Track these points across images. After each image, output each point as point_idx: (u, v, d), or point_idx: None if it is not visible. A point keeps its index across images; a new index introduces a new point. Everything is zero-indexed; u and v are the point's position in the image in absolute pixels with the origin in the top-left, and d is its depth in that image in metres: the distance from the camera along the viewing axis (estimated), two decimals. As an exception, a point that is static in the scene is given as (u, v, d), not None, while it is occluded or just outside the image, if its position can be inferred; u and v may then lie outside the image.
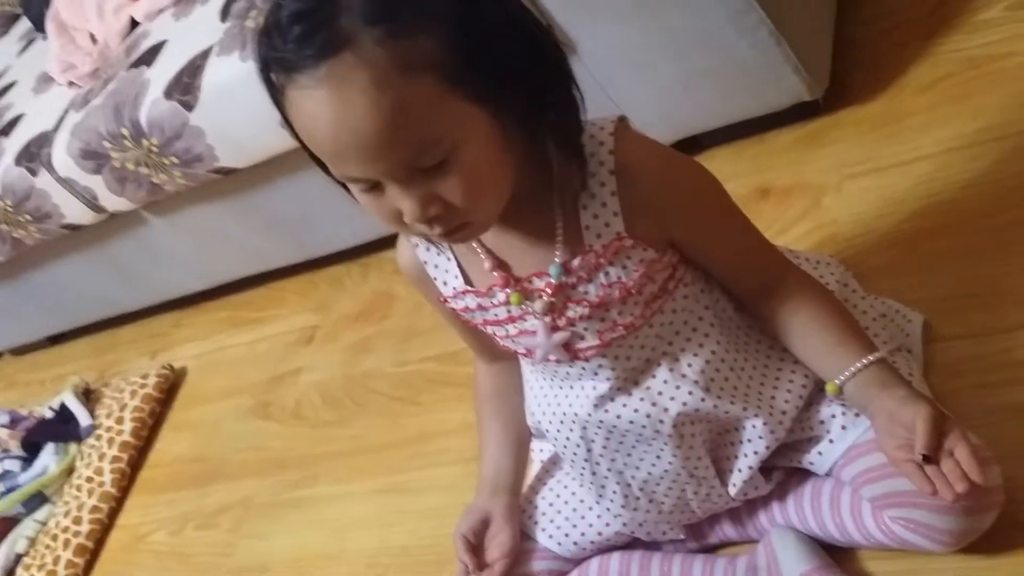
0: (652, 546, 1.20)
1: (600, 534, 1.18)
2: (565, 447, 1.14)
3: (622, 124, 0.99)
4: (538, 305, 1.02)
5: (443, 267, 1.07)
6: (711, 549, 1.20)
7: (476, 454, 1.54)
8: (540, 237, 1.00)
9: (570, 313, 1.02)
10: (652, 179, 0.98)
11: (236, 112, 1.71)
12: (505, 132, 0.89)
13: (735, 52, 1.42)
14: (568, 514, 1.20)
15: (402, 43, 0.81)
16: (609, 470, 1.12)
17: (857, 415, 1.06)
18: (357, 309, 2.02)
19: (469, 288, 1.05)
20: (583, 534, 1.19)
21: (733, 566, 1.13)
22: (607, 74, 1.51)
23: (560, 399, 1.12)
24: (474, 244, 1.03)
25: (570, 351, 1.05)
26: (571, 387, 1.10)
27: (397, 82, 0.81)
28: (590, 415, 1.08)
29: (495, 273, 1.02)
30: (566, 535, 1.19)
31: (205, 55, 1.76)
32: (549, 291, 1.01)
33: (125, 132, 1.83)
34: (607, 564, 1.18)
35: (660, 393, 1.06)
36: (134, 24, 2.12)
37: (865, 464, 1.04)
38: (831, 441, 1.08)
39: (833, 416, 1.08)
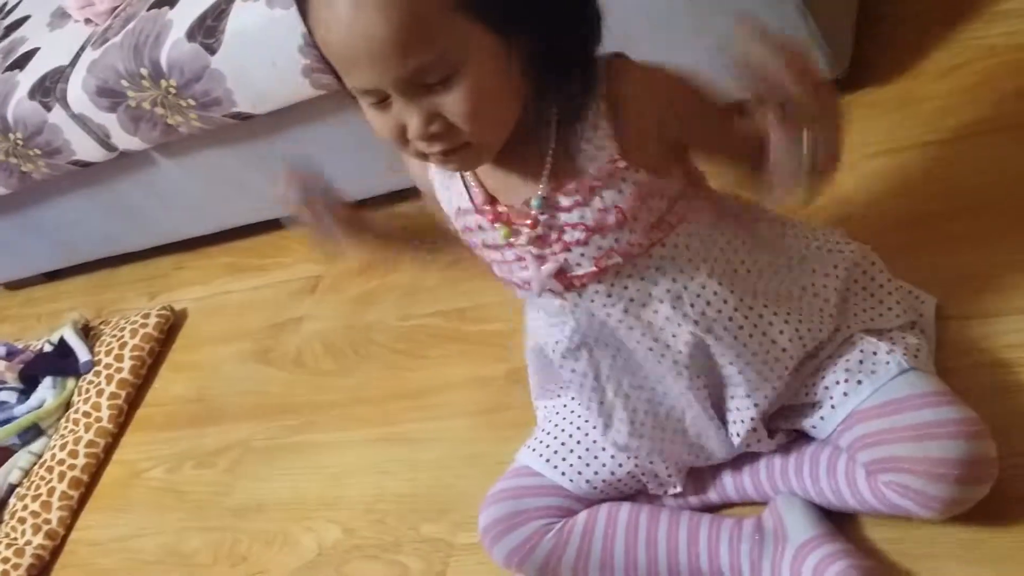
0: (657, 501, 1.23)
1: (613, 473, 1.21)
2: (573, 372, 1.16)
3: (617, 56, 1.01)
4: (523, 238, 1.05)
5: (446, 184, 1.10)
6: (712, 508, 1.23)
7: (479, 409, 1.58)
8: (532, 170, 1.02)
9: (566, 237, 1.04)
10: (638, 91, 0.99)
11: (258, 58, 1.72)
12: (515, 62, 0.92)
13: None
14: (581, 453, 1.22)
15: None
16: (615, 395, 1.15)
17: (860, 383, 1.09)
18: (362, 262, 2.03)
19: (471, 207, 1.08)
20: (596, 473, 1.21)
21: (739, 527, 1.15)
22: (629, 37, 1.51)
23: (568, 323, 1.13)
24: (469, 175, 1.06)
25: (563, 280, 1.07)
26: (573, 313, 1.12)
27: None
28: (598, 335, 1.11)
29: (486, 207, 1.05)
30: (579, 472, 1.21)
31: (230, -1, 1.76)
32: (529, 224, 1.04)
33: (144, 72, 1.83)
34: (616, 512, 1.20)
35: (662, 329, 1.09)
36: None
37: (863, 430, 1.07)
38: (833, 407, 1.10)
39: (837, 383, 1.11)
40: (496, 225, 1.05)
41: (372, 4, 0.85)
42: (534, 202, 1.02)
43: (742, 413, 1.13)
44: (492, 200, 1.06)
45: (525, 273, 1.08)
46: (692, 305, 1.08)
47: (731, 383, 1.12)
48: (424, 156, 0.97)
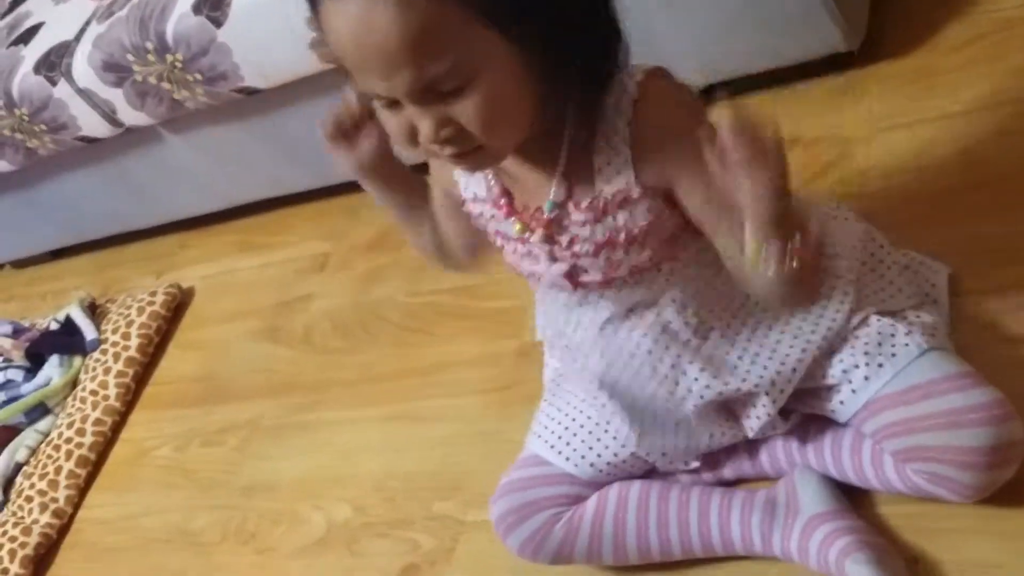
0: (670, 477, 1.22)
1: (616, 455, 1.20)
2: (573, 365, 1.17)
3: (654, 74, 1.00)
4: (536, 236, 1.05)
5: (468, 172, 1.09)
6: (726, 483, 1.22)
7: (489, 386, 1.57)
8: (545, 173, 1.02)
9: (576, 248, 1.05)
10: (663, 130, 0.98)
11: (265, 31, 1.70)
12: (530, 69, 0.90)
13: (776, -3, 1.43)
14: (584, 436, 1.21)
15: None
16: (614, 388, 1.15)
17: (880, 366, 1.07)
18: (370, 239, 2.02)
19: (487, 197, 1.08)
20: (599, 455, 1.20)
21: (751, 499, 1.15)
22: (644, 11, 1.50)
23: (570, 319, 1.15)
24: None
25: (572, 281, 1.08)
26: (579, 309, 1.14)
27: (422, 3, 0.83)
28: (596, 337, 1.12)
29: (502, 200, 1.06)
30: (582, 457, 1.20)
31: (236, -28, 1.75)
32: (542, 226, 1.04)
33: (150, 46, 1.82)
34: (626, 491, 1.19)
35: (663, 331, 1.10)
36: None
37: (888, 419, 1.05)
38: (853, 391, 1.08)
39: (856, 366, 1.08)
40: (512, 220, 1.06)
41: (385, 15, 0.83)
42: (546, 206, 1.03)
43: (757, 409, 1.12)
44: (508, 194, 1.06)
45: (536, 267, 1.09)
46: (696, 314, 1.09)
47: (741, 383, 1.11)
48: (435, 156, 0.96)
